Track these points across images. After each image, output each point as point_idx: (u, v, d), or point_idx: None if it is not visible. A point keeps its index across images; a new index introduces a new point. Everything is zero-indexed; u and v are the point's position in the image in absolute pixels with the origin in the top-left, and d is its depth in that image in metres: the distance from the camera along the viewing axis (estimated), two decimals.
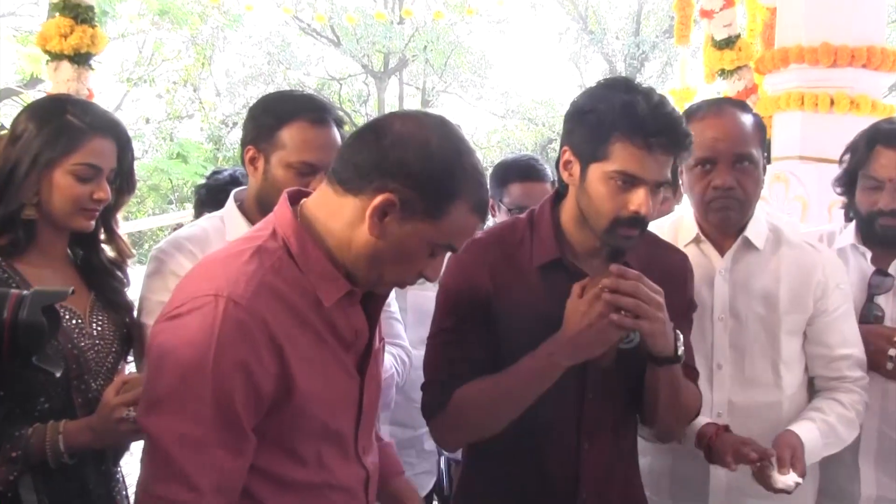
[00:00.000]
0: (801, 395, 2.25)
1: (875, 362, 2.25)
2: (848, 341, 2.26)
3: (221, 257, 1.54)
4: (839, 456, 2.23)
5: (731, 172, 2.11)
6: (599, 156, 1.74)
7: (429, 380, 1.92)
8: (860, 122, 3.70)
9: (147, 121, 21.67)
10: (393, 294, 2.54)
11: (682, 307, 2.01)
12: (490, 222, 3.31)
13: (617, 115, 1.71)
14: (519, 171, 3.12)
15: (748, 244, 2.22)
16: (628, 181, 1.73)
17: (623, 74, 23.09)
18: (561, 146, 1.84)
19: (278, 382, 1.47)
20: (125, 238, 2.17)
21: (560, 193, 1.92)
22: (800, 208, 3.63)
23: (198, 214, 3.39)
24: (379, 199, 1.46)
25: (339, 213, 1.53)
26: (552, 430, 1.89)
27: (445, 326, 1.90)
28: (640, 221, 1.77)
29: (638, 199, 1.74)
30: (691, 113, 2.19)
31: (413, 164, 1.47)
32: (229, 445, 1.44)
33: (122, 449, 2.08)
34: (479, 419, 1.86)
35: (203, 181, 3.56)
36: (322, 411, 1.55)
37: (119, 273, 2.13)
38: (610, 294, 1.67)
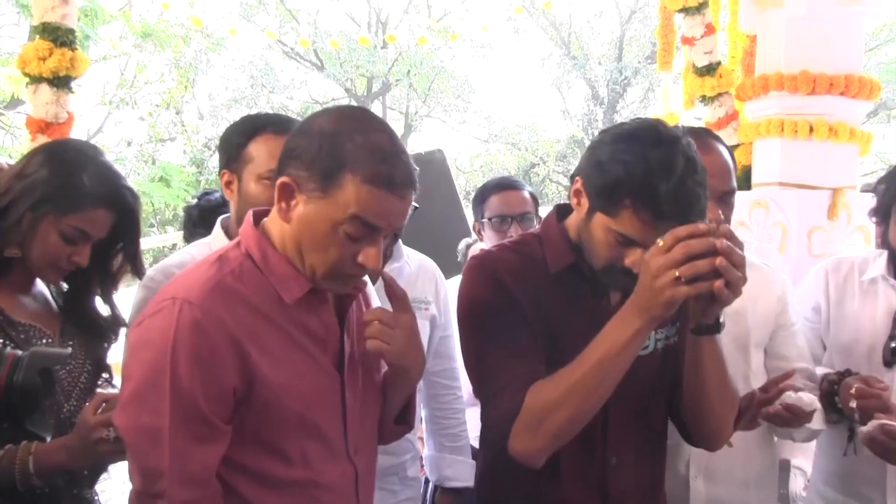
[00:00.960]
0: None
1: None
2: (803, 355, 2.39)
3: (188, 269, 1.66)
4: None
5: (717, 207, 2.10)
6: (607, 210, 1.71)
7: (493, 392, 1.81)
8: (839, 149, 3.75)
9: (129, 143, 21.61)
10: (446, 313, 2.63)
11: None
12: (479, 245, 3.32)
13: (635, 185, 1.65)
14: (495, 184, 3.24)
15: None
16: (629, 243, 1.71)
17: (605, 99, 23.25)
18: (575, 173, 1.82)
19: (241, 374, 1.54)
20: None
21: (561, 210, 1.94)
22: (780, 234, 3.64)
23: (188, 234, 3.41)
24: (278, 183, 1.57)
25: (277, 215, 1.63)
26: (576, 449, 1.84)
27: (486, 336, 1.84)
28: (635, 274, 1.71)
29: (634, 259, 1.70)
30: None
31: (301, 145, 1.57)
32: (193, 435, 1.51)
33: (98, 471, 2.05)
34: (564, 412, 1.72)
35: (195, 201, 3.54)
36: (295, 403, 1.60)
37: (110, 332, 2.11)
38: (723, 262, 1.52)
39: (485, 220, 3.17)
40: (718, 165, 2.17)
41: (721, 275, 1.52)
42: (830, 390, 2.31)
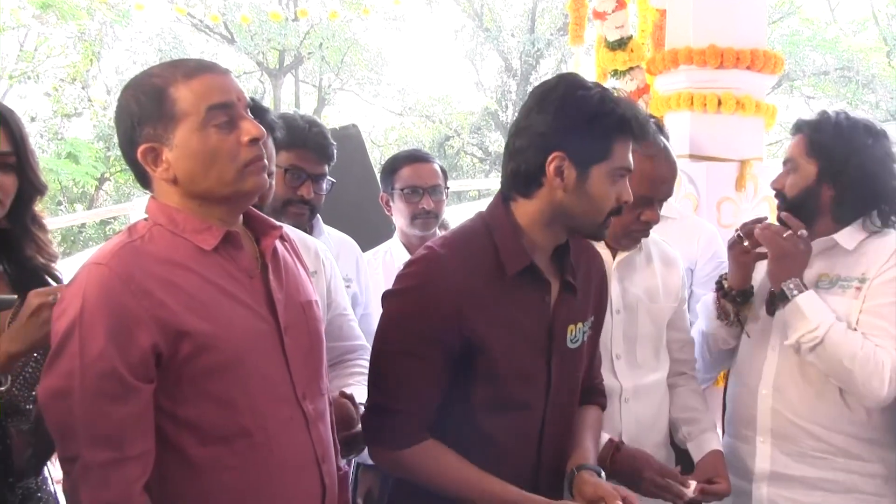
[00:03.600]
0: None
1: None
2: (688, 328, 2.66)
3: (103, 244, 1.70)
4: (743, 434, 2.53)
5: (658, 208, 2.37)
6: (602, 157, 1.87)
7: (395, 408, 1.90)
8: (746, 122, 3.85)
9: (33, 119, 20.88)
10: (346, 295, 2.61)
11: (605, 304, 2.20)
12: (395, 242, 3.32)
13: (615, 120, 1.86)
14: (406, 156, 3.28)
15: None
16: (623, 174, 1.91)
17: (518, 71, 23.34)
18: (545, 154, 1.87)
19: (161, 329, 1.55)
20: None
21: (506, 197, 1.97)
22: (691, 205, 3.72)
23: None
24: (139, 155, 1.65)
25: (166, 189, 1.68)
26: (514, 439, 1.98)
27: (404, 349, 1.88)
28: (622, 210, 1.95)
29: (626, 190, 1.93)
30: None
31: (124, 116, 1.66)
32: (106, 395, 1.52)
33: (42, 457, 1.97)
34: (442, 489, 1.89)
35: None
36: (231, 349, 1.62)
37: (50, 277, 2.05)
38: None
39: (395, 190, 3.19)
40: (672, 172, 2.40)
41: None
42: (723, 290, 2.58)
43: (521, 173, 1.91)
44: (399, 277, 1.94)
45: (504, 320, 1.90)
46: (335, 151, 2.84)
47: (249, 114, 1.70)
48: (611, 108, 1.86)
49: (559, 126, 1.86)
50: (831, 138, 2.40)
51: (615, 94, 1.92)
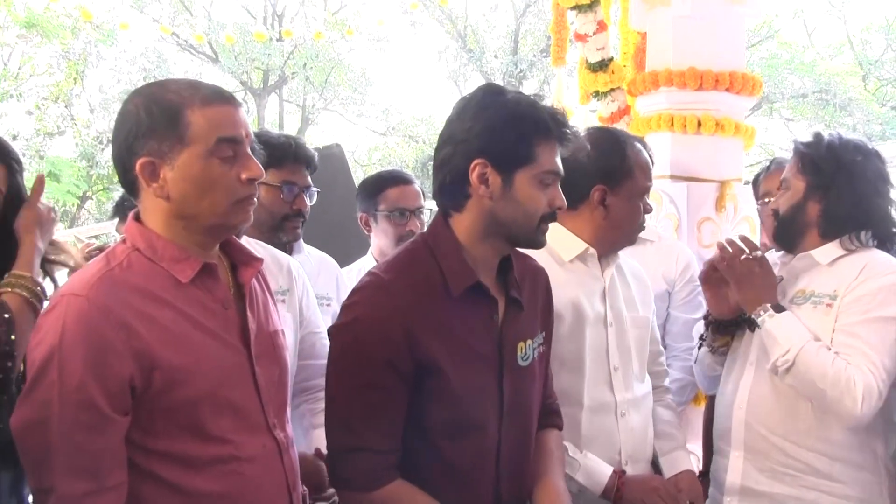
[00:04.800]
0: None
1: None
2: (658, 339, 2.67)
3: (80, 269, 1.70)
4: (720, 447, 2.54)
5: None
6: (526, 161, 1.85)
7: (360, 445, 1.84)
8: (725, 143, 3.89)
9: (14, 137, 20.78)
10: (319, 314, 2.62)
11: (553, 320, 2.17)
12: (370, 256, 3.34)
13: (535, 121, 1.84)
14: (391, 177, 3.28)
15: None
16: (551, 179, 1.88)
17: None
18: (468, 161, 1.85)
19: (136, 362, 1.54)
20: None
21: (444, 214, 1.95)
22: (671, 226, 3.75)
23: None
24: (138, 168, 1.63)
25: (153, 204, 1.68)
26: (471, 458, 1.94)
27: (360, 383, 1.84)
28: (555, 215, 1.93)
29: (559, 195, 1.91)
30: (634, 140, 2.46)
31: (131, 125, 1.64)
32: (82, 426, 1.51)
33: (21, 477, 1.99)
34: None
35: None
36: (204, 382, 1.62)
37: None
38: None
39: (378, 212, 3.19)
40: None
41: None
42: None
43: (447, 185, 1.90)
44: (345, 308, 1.89)
45: (454, 340, 1.87)
46: (318, 162, 2.87)
47: (252, 149, 1.72)
48: (528, 111, 1.84)
49: (478, 131, 1.84)
50: (821, 155, 2.43)
51: (534, 98, 1.90)
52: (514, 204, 1.86)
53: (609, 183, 2.33)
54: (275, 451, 1.75)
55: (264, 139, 2.64)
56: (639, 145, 2.41)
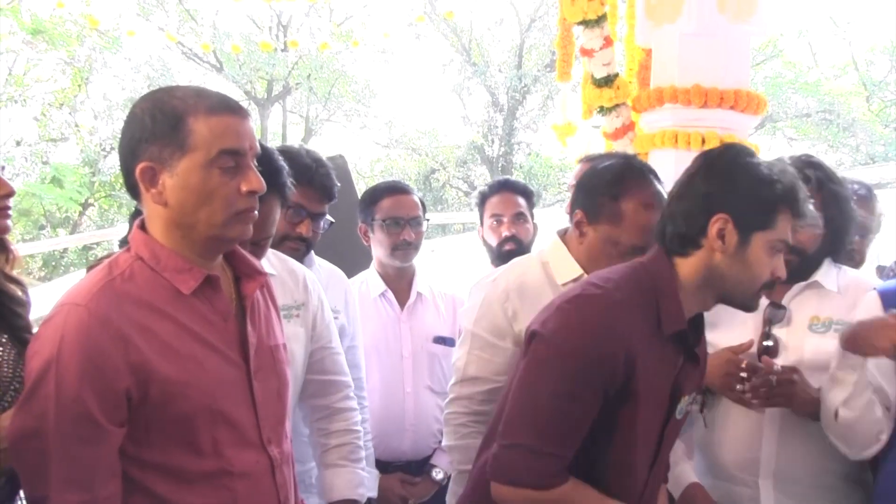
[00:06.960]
0: None
1: (725, 385, 2.33)
2: None
3: (83, 278, 1.68)
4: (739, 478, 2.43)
5: None
6: (766, 225, 1.87)
7: (545, 451, 1.84)
8: None
9: (18, 143, 20.83)
10: (334, 328, 2.60)
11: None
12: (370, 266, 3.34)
13: (784, 190, 1.87)
14: (387, 187, 3.29)
15: None
16: (781, 247, 1.91)
17: (505, 106, 23.47)
18: (709, 214, 1.89)
19: (133, 374, 1.54)
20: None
21: (669, 252, 1.96)
22: None
23: None
24: (138, 173, 1.62)
25: (152, 211, 1.67)
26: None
27: (568, 391, 1.83)
28: (774, 285, 1.98)
29: (782, 266, 1.94)
30: (637, 188, 2.34)
31: (135, 129, 1.63)
32: (77, 437, 1.51)
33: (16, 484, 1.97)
34: None
35: None
36: (200, 396, 1.61)
37: (19, 292, 1.99)
38: None
39: (375, 221, 3.20)
40: None
41: None
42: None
43: (679, 235, 1.92)
44: (566, 312, 1.89)
45: (652, 377, 1.89)
46: (337, 192, 2.83)
47: (255, 162, 1.70)
48: (779, 178, 1.88)
49: (727, 189, 1.88)
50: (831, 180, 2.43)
51: (783, 165, 1.94)
52: (743, 264, 1.89)
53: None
54: (267, 468, 1.74)
55: (292, 155, 2.59)
56: None
